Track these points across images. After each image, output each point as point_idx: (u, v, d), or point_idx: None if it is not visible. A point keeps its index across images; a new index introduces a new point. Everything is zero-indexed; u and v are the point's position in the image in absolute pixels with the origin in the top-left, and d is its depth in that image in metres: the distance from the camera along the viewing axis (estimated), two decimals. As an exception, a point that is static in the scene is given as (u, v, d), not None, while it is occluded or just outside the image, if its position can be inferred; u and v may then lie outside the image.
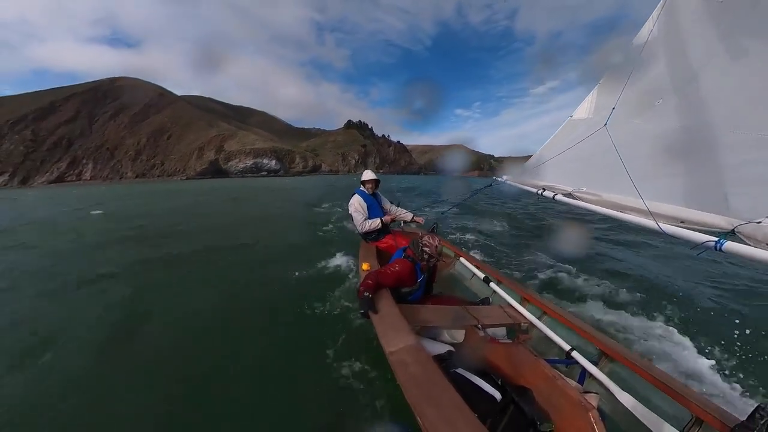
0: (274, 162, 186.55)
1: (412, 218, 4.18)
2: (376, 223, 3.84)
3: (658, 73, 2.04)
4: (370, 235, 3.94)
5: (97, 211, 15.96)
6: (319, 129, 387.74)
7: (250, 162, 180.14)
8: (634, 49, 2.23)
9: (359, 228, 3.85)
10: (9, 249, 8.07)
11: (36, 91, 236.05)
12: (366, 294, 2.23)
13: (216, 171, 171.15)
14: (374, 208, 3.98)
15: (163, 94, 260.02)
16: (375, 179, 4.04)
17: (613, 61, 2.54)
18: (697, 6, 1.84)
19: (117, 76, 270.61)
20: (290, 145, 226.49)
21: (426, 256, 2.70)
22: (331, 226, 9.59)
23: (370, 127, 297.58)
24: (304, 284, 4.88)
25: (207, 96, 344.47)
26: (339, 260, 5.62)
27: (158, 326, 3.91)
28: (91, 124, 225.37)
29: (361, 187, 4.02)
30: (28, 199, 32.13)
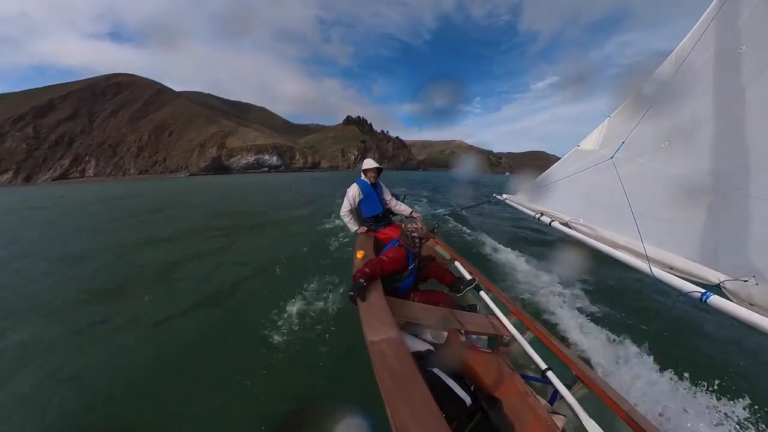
0: (275, 158, 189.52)
1: (410, 213, 4.17)
2: (350, 222, 3.94)
3: (668, 115, 2.06)
4: (370, 225, 3.97)
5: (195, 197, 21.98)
6: (317, 125, 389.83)
7: (251, 158, 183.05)
8: (652, 87, 2.26)
9: (341, 212, 3.93)
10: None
11: (32, 89, 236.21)
12: (361, 280, 2.29)
13: (219, 167, 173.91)
14: (372, 199, 3.93)
15: (161, 91, 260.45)
16: (376, 167, 3.96)
17: (630, 96, 2.54)
18: (716, 54, 1.83)
19: (113, 72, 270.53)
20: (289, 141, 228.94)
21: (417, 241, 2.85)
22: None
23: (369, 122, 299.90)
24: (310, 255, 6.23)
25: (205, 92, 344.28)
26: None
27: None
28: (91, 121, 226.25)
29: (362, 177, 3.97)
30: (76, 196, 31.91)
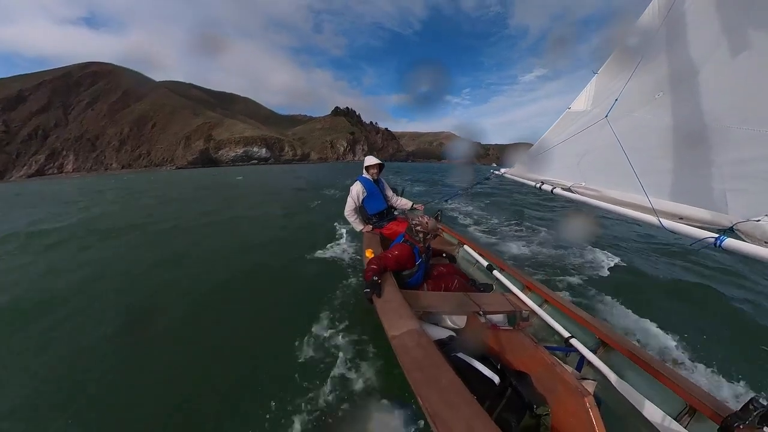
0: (264, 150, 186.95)
1: (412, 206, 4.16)
2: (355, 222, 3.91)
3: (658, 65, 2.02)
4: (374, 222, 3.96)
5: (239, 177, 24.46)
6: (305, 116, 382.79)
7: (240, 151, 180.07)
8: (638, 36, 2.20)
9: (345, 212, 3.89)
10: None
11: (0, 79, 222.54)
12: (375, 278, 2.33)
13: (207, 160, 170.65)
14: (375, 196, 3.92)
15: (141, 81, 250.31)
16: (378, 164, 3.95)
17: (616, 49, 2.45)
18: None
19: (88, 61, 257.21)
20: (277, 132, 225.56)
21: (420, 236, 2.82)
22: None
23: (357, 114, 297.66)
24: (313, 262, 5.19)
25: (187, 82, 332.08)
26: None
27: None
28: (66, 113, 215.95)
29: (364, 173, 3.94)
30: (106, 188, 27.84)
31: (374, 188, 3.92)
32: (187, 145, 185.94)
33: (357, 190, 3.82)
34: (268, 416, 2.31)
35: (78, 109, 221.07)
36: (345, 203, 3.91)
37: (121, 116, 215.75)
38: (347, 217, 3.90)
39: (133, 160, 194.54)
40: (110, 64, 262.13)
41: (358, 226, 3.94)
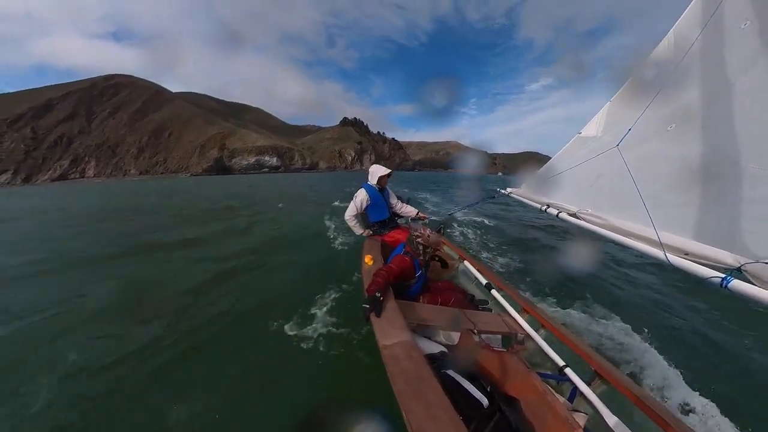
0: (275, 159, 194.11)
1: (417, 214, 4.19)
2: (355, 227, 3.95)
3: (672, 96, 2.01)
4: (376, 229, 3.99)
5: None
6: (313, 126, 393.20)
7: (252, 159, 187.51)
8: (655, 68, 2.20)
9: (346, 216, 3.92)
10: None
11: (30, 89, 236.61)
12: (377, 294, 2.22)
13: (221, 168, 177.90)
14: (380, 204, 3.96)
15: (159, 92, 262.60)
16: (385, 174, 3.97)
17: (630, 79, 2.47)
18: (717, 30, 1.79)
19: (111, 74, 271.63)
20: (287, 142, 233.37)
21: (421, 248, 2.85)
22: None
23: (365, 124, 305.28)
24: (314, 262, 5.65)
25: (201, 93, 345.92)
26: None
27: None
28: (89, 122, 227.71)
29: (370, 181, 3.97)
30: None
31: (379, 197, 3.97)
32: (201, 153, 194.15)
33: (361, 198, 3.86)
34: (243, 416, 2.33)
35: (100, 118, 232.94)
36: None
37: (140, 125, 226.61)
38: (347, 221, 3.95)
39: (151, 167, 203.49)
40: (131, 76, 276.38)
41: (358, 231, 4.02)
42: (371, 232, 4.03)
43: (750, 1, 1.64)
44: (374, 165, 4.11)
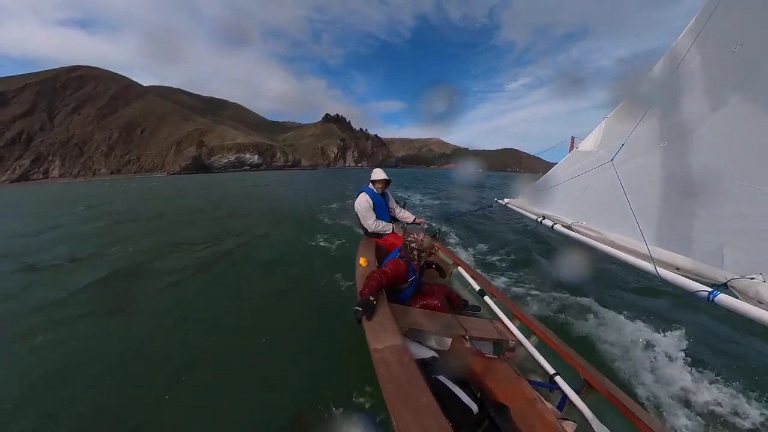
0: (256, 157, 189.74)
1: (414, 220, 4.28)
2: (384, 226, 3.95)
3: (665, 115, 2.07)
4: (369, 233, 3.97)
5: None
6: (294, 122, 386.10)
7: (233, 157, 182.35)
8: (647, 87, 2.26)
9: (369, 227, 3.93)
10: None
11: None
12: (370, 298, 2.22)
13: (200, 166, 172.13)
14: (381, 207, 4.02)
15: (129, 86, 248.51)
16: (385, 179, 4.04)
17: (625, 99, 2.54)
18: (710, 53, 1.84)
19: (75, 65, 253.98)
20: (267, 139, 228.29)
21: (415, 253, 2.83)
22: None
23: (348, 120, 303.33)
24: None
25: (175, 87, 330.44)
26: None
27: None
28: (51, 117, 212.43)
29: (370, 185, 4.03)
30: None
31: (380, 201, 4.01)
32: (178, 151, 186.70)
33: (366, 201, 3.88)
34: (228, 416, 2.36)
35: (64, 113, 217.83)
36: (356, 214, 4.01)
37: (110, 121, 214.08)
38: (375, 230, 3.93)
39: (122, 166, 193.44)
40: (98, 68, 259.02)
41: (388, 228, 3.97)
42: (389, 228, 4.01)
43: (741, 27, 1.71)
44: (377, 168, 4.27)
